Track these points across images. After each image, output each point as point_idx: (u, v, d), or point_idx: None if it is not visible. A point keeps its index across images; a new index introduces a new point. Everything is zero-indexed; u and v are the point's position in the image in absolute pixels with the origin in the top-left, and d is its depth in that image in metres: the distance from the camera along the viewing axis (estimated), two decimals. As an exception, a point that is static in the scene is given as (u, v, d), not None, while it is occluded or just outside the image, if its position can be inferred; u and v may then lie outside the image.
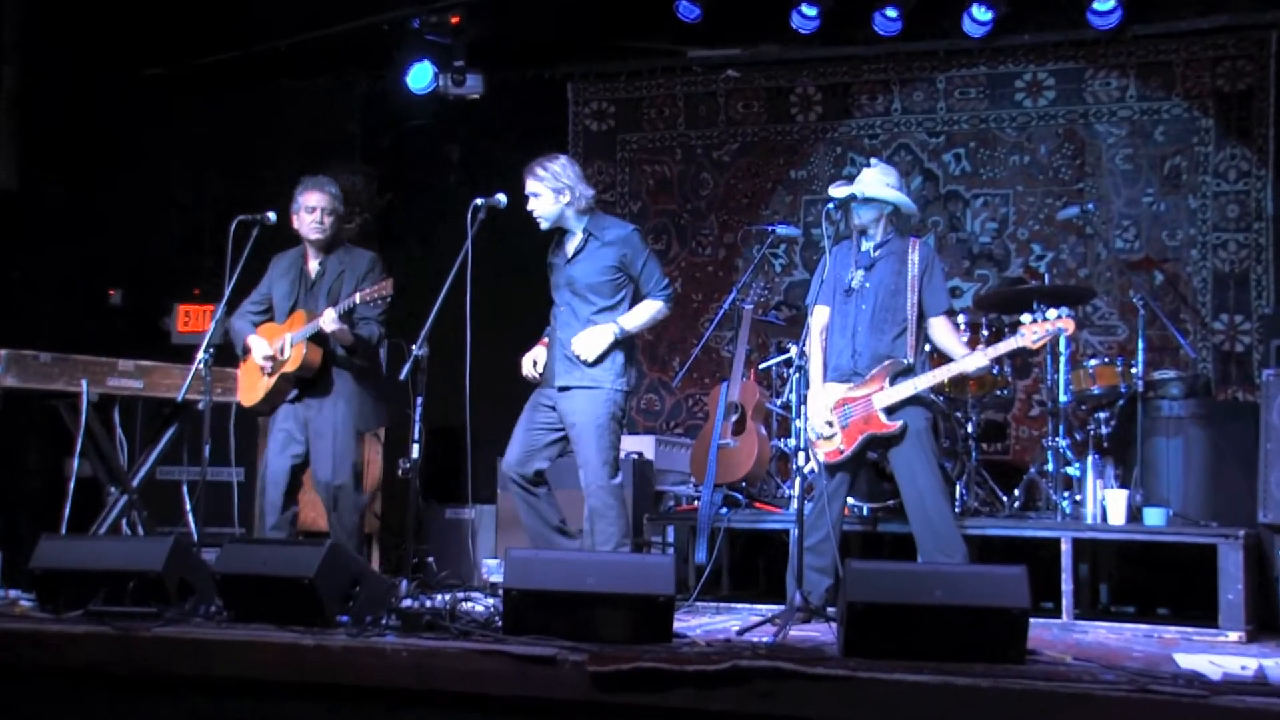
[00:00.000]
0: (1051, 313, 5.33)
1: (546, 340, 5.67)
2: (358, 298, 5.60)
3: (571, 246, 5.55)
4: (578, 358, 5.43)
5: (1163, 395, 6.45)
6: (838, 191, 5.49)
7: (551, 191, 5.46)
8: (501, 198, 5.46)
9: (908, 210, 5.70)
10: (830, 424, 5.48)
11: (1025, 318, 5.39)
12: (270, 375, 5.83)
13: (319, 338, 5.79)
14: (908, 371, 5.45)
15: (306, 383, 5.86)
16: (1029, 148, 8.07)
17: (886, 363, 5.45)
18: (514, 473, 5.50)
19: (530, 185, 5.49)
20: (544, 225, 5.51)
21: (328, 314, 5.64)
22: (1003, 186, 8.13)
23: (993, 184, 8.15)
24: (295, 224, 5.92)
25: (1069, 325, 5.33)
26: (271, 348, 5.82)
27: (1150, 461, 6.25)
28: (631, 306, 5.58)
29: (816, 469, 5.55)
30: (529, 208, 5.48)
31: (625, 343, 5.52)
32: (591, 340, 5.44)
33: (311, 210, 5.87)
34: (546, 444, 5.54)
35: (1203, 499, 6.15)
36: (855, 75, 8.48)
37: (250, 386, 5.95)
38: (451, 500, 7.47)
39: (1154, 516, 5.88)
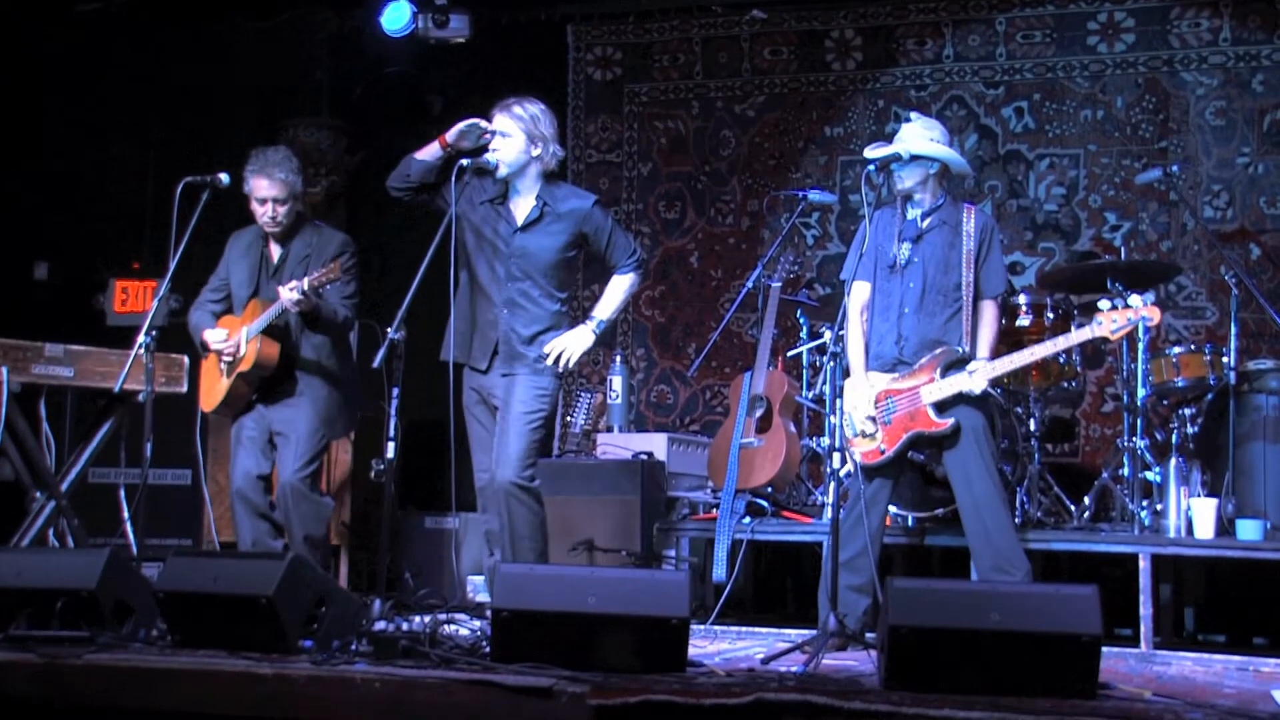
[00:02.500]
0: (1135, 299, 5.30)
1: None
2: (306, 284, 5.62)
3: (522, 212, 5.54)
4: (527, 345, 5.45)
5: (1259, 389, 6.40)
6: (877, 152, 5.47)
7: (525, 136, 5.46)
8: (491, 158, 5.44)
9: (959, 169, 5.68)
10: (871, 420, 5.47)
11: (1103, 303, 5.37)
12: (227, 376, 5.87)
13: (276, 332, 5.81)
14: (962, 362, 5.44)
15: (267, 383, 5.89)
16: (1103, 100, 8.04)
17: (939, 351, 5.44)
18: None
19: (502, 122, 5.46)
20: (501, 172, 5.46)
21: (283, 293, 5.66)
22: (1072, 146, 8.11)
23: (1060, 143, 8.13)
24: (249, 206, 5.96)
25: (1154, 314, 5.30)
26: (230, 342, 5.85)
27: (1244, 466, 6.22)
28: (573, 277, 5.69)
29: (853, 472, 5.55)
30: (492, 146, 5.45)
31: (567, 316, 5.59)
32: (573, 346, 5.47)
33: (263, 202, 5.91)
34: None
35: (1306, 510, 6.13)
36: (900, 16, 8.46)
37: (210, 388, 6.01)
38: (431, 507, 7.48)
39: (1249, 530, 5.86)
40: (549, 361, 5.44)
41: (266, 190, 5.89)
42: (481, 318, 5.55)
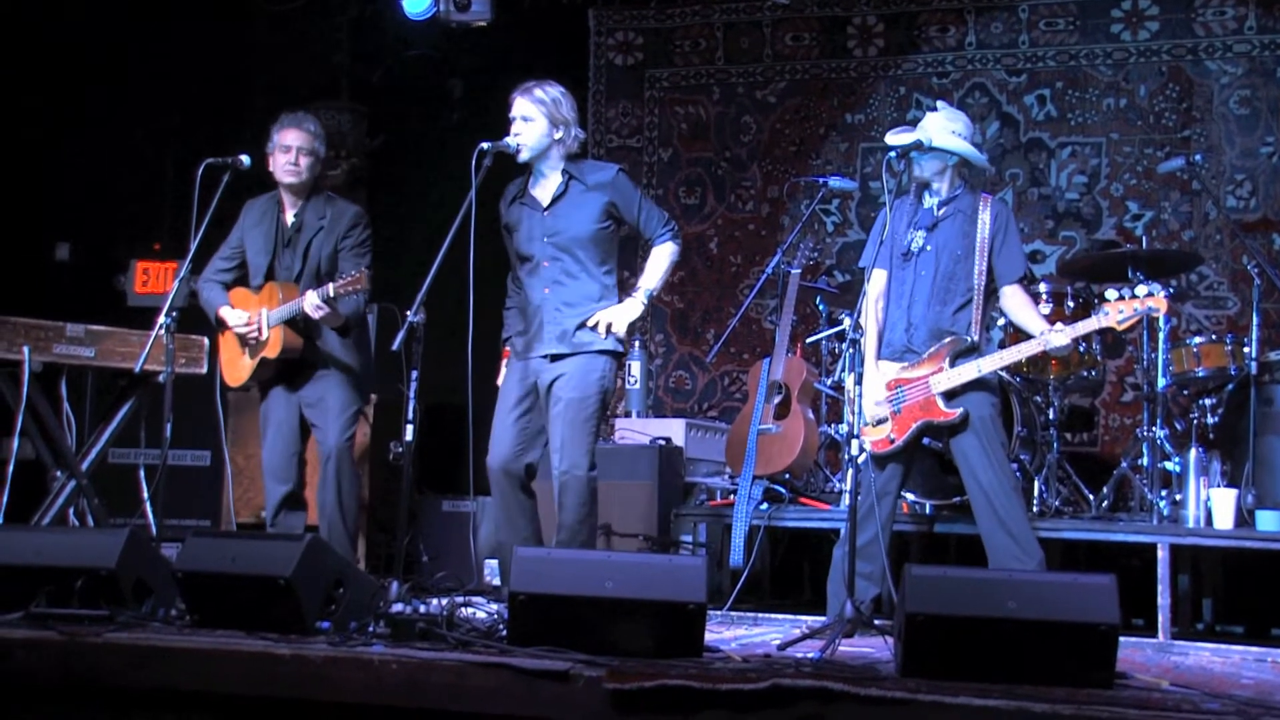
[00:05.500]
0: (1141, 289, 5.29)
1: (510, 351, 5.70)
2: (330, 290, 5.63)
3: (548, 191, 5.54)
4: (578, 324, 5.45)
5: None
6: (899, 139, 5.45)
7: (546, 120, 5.46)
8: (511, 140, 5.45)
9: (979, 163, 5.67)
10: (881, 408, 5.47)
11: (1110, 293, 5.36)
12: (251, 357, 5.89)
13: (298, 322, 5.83)
14: (971, 351, 5.43)
15: (291, 364, 5.91)
16: (1126, 89, 8.01)
17: (947, 340, 5.43)
18: (507, 469, 5.50)
19: (523, 107, 5.47)
20: (523, 156, 5.47)
21: (310, 298, 5.67)
22: (1094, 134, 8.08)
23: (1082, 131, 8.10)
24: (270, 166, 5.96)
25: (1161, 305, 5.29)
26: (249, 321, 5.85)
27: (1264, 456, 6.20)
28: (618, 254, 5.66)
29: (865, 460, 5.54)
30: (513, 131, 5.46)
31: (615, 290, 5.59)
32: (620, 315, 5.46)
33: (286, 150, 5.91)
34: (539, 429, 5.56)
35: (1327, 501, 6.11)
36: (923, 3, 8.43)
37: (233, 363, 6.02)
38: (449, 490, 7.49)
39: (1269, 520, 5.84)
40: (600, 332, 5.42)
41: (294, 139, 5.91)
42: (529, 306, 5.55)
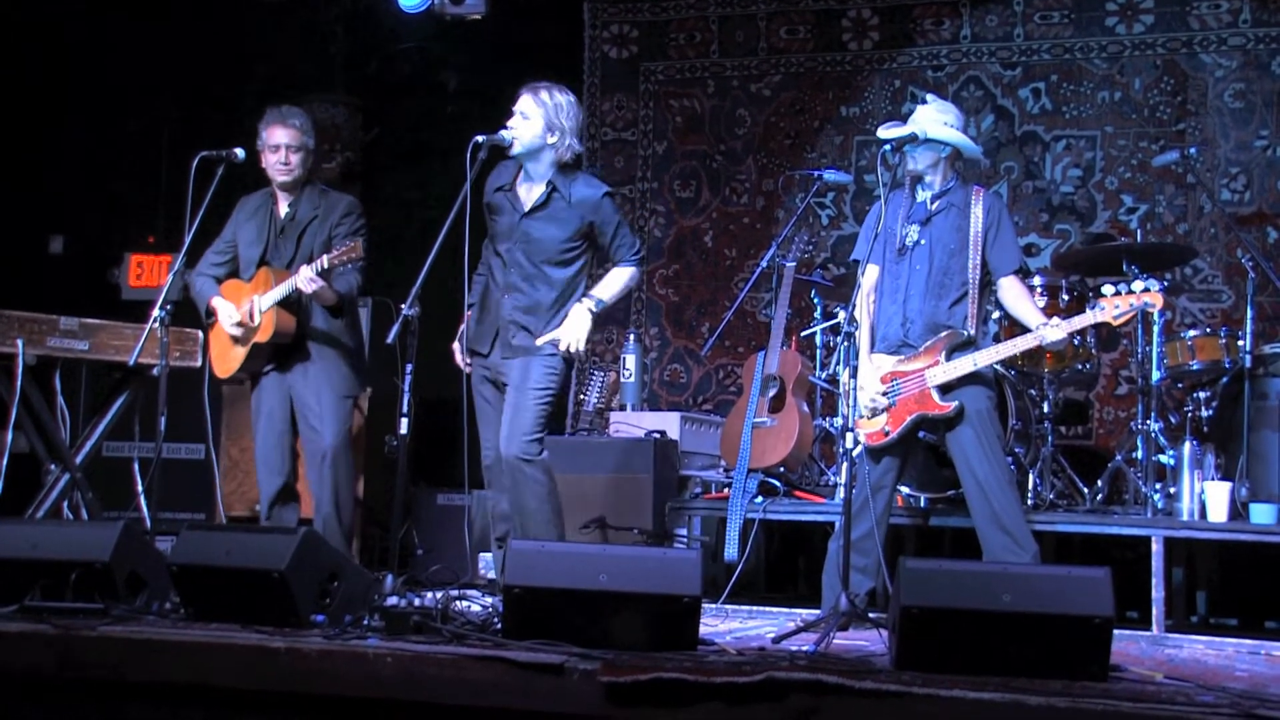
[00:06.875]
0: (1137, 284, 5.29)
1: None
2: (325, 261, 5.62)
3: (531, 196, 5.55)
4: (526, 329, 5.47)
5: (1274, 372, 6.37)
6: (891, 132, 5.46)
7: (544, 123, 5.45)
8: (506, 134, 5.44)
9: (971, 154, 5.67)
10: (875, 401, 5.47)
11: (1106, 289, 5.35)
12: (243, 345, 5.87)
13: (291, 302, 5.81)
14: (967, 345, 5.43)
15: (283, 349, 5.89)
16: (1121, 82, 8.00)
17: (944, 334, 5.43)
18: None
19: (525, 104, 5.47)
20: (515, 150, 5.47)
21: (303, 272, 5.65)
22: (1089, 127, 8.07)
23: (1077, 124, 8.09)
24: (262, 163, 5.96)
25: (1157, 300, 5.29)
26: (239, 313, 5.84)
27: (1258, 449, 6.20)
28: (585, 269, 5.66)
29: (860, 454, 5.55)
30: (509, 124, 5.46)
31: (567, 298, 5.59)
32: (573, 332, 5.46)
33: (276, 149, 5.91)
34: None
35: (1320, 494, 6.11)
36: (918, -5, 8.43)
37: (223, 355, 6.01)
38: (444, 484, 7.49)
39: (1262, 514, 5.85)
40: (560, 350, 5.44)
41: (281, 136, 5.91)
42: (490, 301, 5.58)
